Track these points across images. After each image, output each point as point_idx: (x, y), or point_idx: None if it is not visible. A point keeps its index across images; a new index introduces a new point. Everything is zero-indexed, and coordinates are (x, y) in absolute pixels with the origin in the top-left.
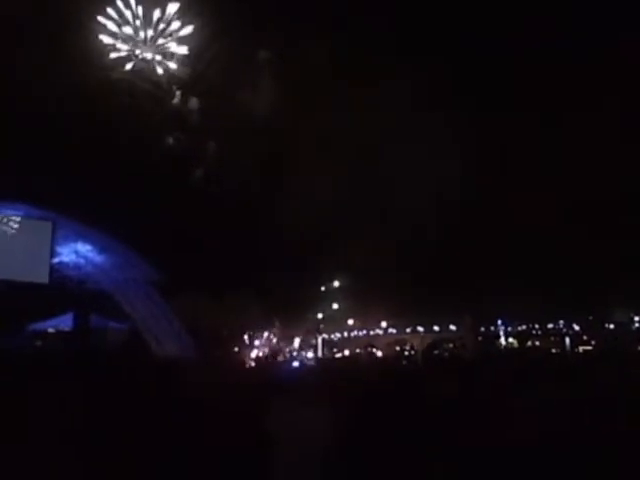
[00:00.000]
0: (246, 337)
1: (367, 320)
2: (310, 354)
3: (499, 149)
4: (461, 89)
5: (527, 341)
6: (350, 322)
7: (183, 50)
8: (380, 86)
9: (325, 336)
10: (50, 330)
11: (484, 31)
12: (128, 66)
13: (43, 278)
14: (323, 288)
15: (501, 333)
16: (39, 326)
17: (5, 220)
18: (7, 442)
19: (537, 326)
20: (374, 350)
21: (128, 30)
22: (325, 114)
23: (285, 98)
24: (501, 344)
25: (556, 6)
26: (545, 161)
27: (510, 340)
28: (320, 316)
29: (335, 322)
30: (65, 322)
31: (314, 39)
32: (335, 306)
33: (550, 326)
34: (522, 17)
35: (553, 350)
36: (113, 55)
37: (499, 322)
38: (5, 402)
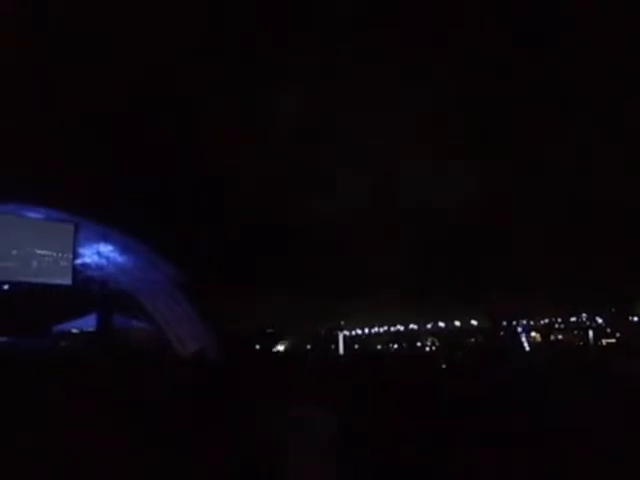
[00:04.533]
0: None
1: (389, 317)
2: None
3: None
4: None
5: (550, 335)
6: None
7: None
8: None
9: (347, 333)
10: (74, 331)
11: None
12: None
13: (66, 280)
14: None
15: (520, 328)
16: (64, 327)
17: (27, 223)
18: (37, 437)
19: (560, 320)
20: (396, 346)
21: None
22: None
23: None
24: (523, 338)
25: None
26: (563, 158)
27: (532, 334)
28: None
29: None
30: (89, 322)
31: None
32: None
33: (573, 319)
34: None
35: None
36: None
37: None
38: (34, 399)
